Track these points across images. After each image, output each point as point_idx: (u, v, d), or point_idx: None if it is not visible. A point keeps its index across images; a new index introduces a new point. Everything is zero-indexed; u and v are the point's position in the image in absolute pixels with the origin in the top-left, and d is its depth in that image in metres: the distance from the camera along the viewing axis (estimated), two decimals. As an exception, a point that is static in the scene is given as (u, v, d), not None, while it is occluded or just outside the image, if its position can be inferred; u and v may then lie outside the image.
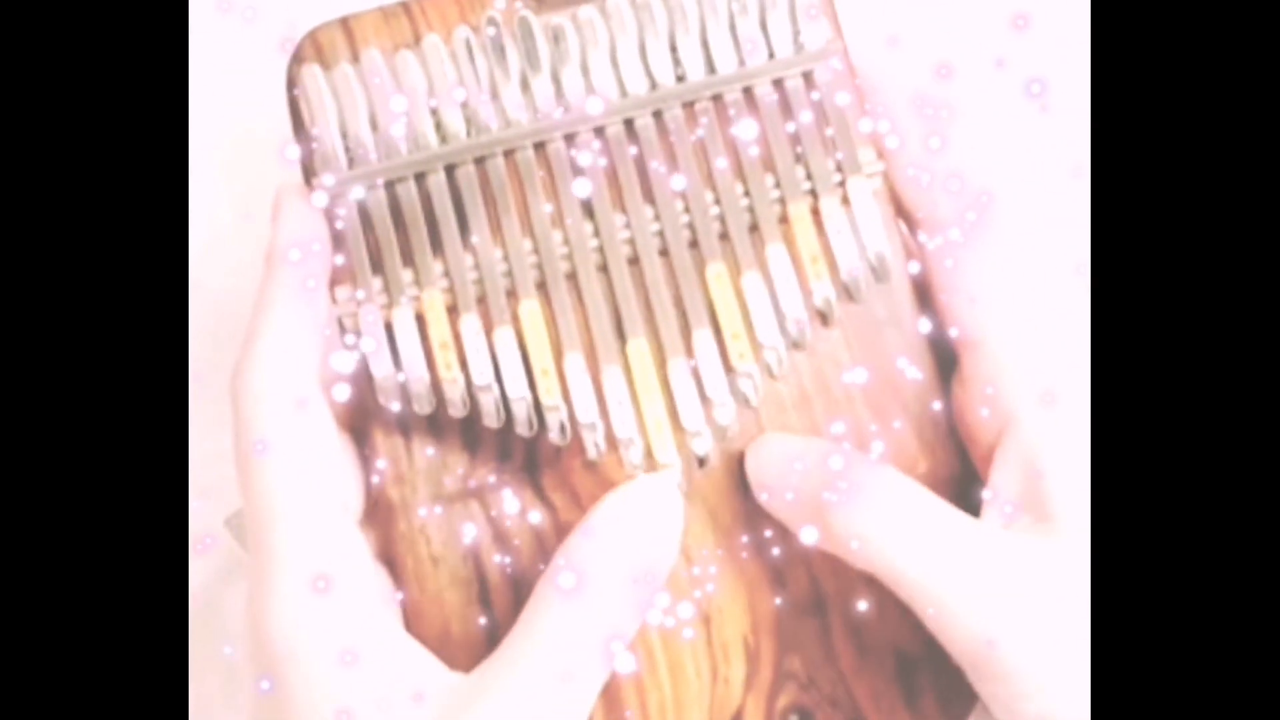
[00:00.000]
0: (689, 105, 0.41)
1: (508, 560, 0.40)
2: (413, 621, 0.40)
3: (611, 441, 0.39)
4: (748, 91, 0.41)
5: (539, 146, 0.40)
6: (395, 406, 0.40)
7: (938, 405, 0.41)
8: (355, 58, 0.41)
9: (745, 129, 0.40)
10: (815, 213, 0.40)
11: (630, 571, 0.37)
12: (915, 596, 0.37)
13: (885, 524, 0.37)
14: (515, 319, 0.40)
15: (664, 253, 0.40)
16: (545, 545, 0.40)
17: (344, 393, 0.41)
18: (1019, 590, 0.37)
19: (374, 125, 0.40)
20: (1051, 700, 0.36)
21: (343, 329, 0.40)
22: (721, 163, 0.40)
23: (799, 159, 0.41)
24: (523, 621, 0.37)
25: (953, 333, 0.40)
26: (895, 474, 0.38)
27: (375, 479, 0.41)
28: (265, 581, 0.37)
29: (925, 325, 0.41)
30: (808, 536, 0.38)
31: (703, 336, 0.40)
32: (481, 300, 0.40)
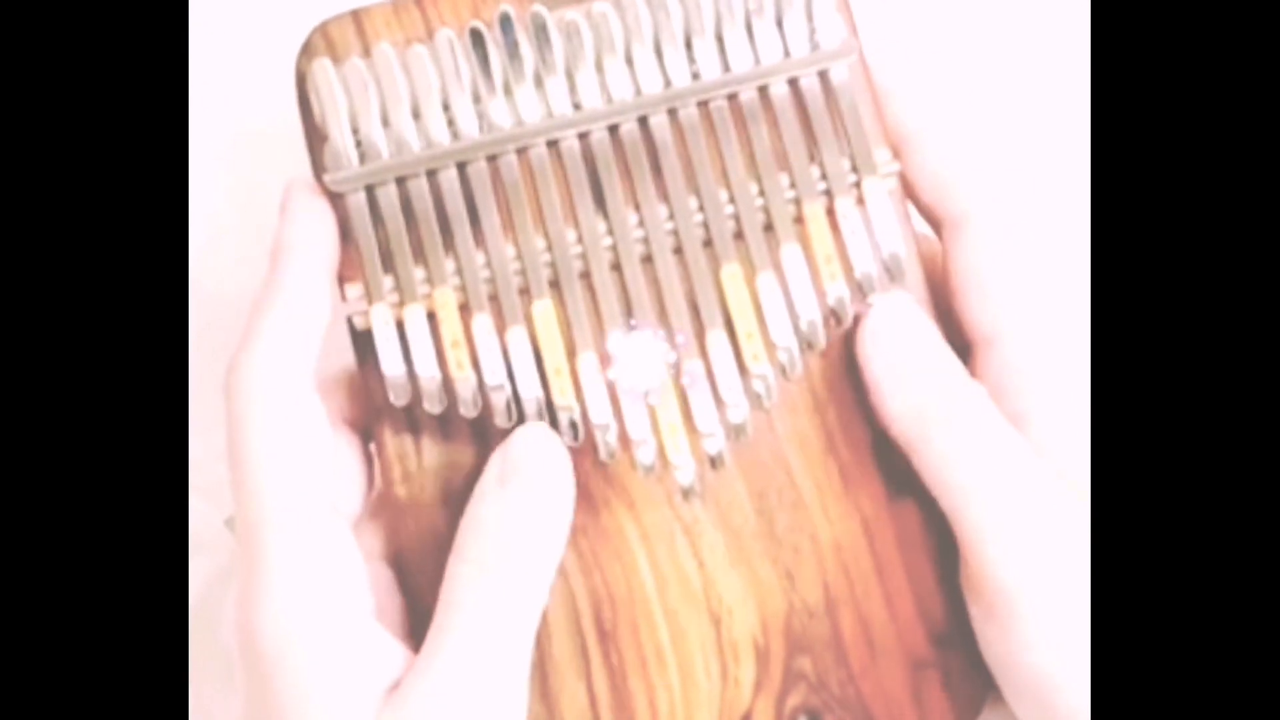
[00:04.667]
0: (704, 104, 0.40)
1: None
2: (418, 620, 0.40)
3: (623, 442, 0.39)
4: (763, 90, 0.41)
5: (552, 144, 0.40)
6: (406, 405, 0.39)
7: None
8: (366, 52, 0.40)
9: (760, 128, 0.40)
10: (830, 213, 0.40)
11: (529, 527, 0.38)
12: (960, 514, 0.38)
13: (960, 444, 0.38)
14: (528, 318, 0.39)
15: (678, 252, 0.40)
16: None
17: (352, 391, 0.41)
18: (1061, 545, 0.37)
19: (385, 121, 0.40)
20: (1055, 655, 0.37)
21: (353, 327, 0.40)
22: (736, 162, 0.40)
23: (814, 159, 0.40)
24: (441, 601, 0.38)
25: (965, 332, 0.40)
26: (988, 403, 0.39)
27: (382, 478, 0.40)
28: (251, 581, 0.37)
29: (937, 325, 0.41)
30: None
31: (717, 336, 0.39)
32: (494, 299, 0.40)
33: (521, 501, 0.38)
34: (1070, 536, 0.37)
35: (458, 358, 0.39)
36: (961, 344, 0.41)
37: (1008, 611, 0.37)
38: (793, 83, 0.41)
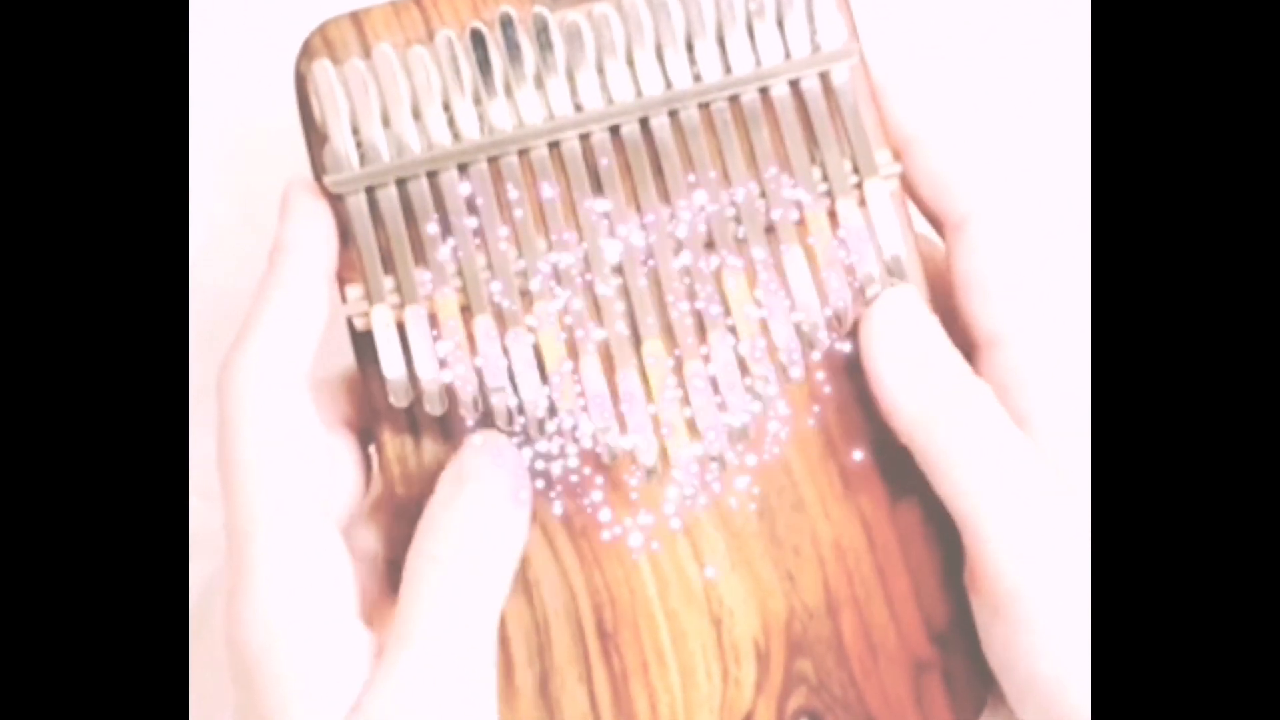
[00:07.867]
0: (705, 105, 0.40)
1: None
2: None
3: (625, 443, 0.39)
4: (764, 92, 0.41)
5: (553, 145, 0.40)
6: (406, 407, 0.39)
7: None
8: (366, 53, 0.40)
9: (761, 130, 0.40)
10: (832, 214, 0.40)
11: (485, 525, 0.38)
12: (966, 514, 0.38)
13: (967, 443, 0.38)
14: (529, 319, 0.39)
15: (679, 253, 0.40)
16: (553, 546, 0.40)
17: (351, 392, 0.41)
18: (1066, 545, 0.37)
19: (385, 122, 0.40)
20: (1060, 657, 0.37)
21: (353, 328, 0.40)
22: (738, 163, 0.40)
23: (815, 160, 0.40)
24: (402, 599, 0.38)
25: (968, 333, 0.40)
26: (994, 402, 0.39)
27: (382, 479, 0.40)
28: (237, 582, 0.37)
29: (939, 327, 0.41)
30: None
31: (718, 338, 0.39)
32: (495, 300, 0.40)
33: (477, 499, 0.38)
34: (1074, 538, 0.37)
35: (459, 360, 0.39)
36: (964, 345, 0.41)
37: (1013, 613, 0.37)
38: (794, 84, 0.41)
